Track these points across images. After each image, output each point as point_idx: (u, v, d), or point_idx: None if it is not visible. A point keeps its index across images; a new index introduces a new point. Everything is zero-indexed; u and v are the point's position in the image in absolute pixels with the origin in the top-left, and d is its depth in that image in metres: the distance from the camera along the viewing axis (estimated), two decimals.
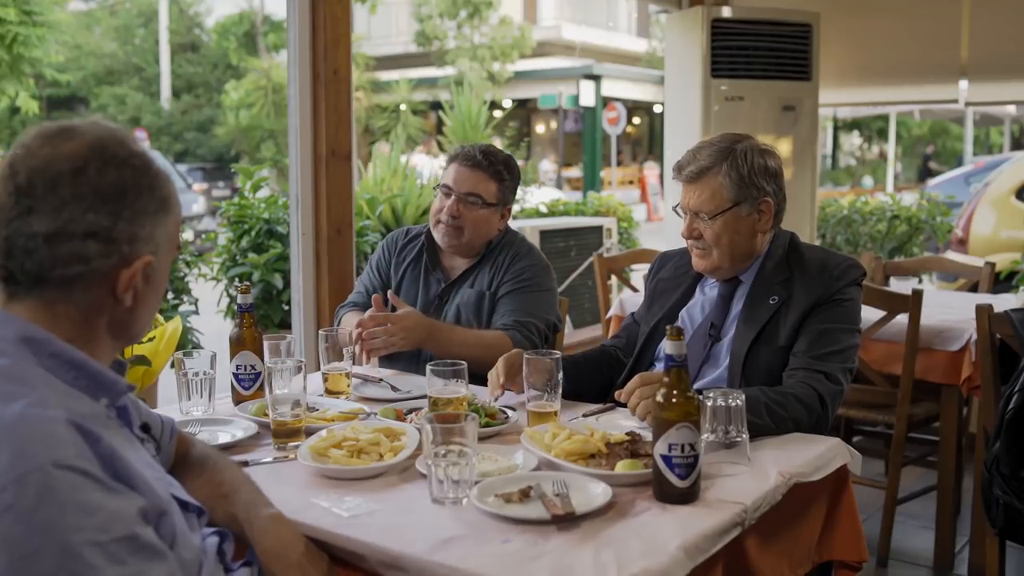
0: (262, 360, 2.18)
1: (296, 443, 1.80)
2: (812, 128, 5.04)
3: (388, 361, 2.60)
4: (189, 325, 3.87)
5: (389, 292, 2.52)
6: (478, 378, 2.14)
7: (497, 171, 2.60)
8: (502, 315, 2.55)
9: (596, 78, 22.66)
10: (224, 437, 1.92)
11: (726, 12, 4.84)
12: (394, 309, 2.46)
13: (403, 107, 20.38)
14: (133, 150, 1.22)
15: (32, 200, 1.16)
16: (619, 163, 24.19)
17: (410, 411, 2.04)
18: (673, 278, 2.38)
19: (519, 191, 7.52)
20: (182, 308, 4.09)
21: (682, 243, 2.29)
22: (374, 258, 2.80)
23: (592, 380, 2.29)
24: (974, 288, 4.23)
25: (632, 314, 2.50)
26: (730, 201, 2.14)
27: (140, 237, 1.21)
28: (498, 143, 10.92)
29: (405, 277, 2.71)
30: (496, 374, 2.09)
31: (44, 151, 1.18)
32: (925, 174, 21.07)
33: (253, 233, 4.16)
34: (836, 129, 26.50)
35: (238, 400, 2.19)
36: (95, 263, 1.18)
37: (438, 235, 2.63)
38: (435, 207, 2.62)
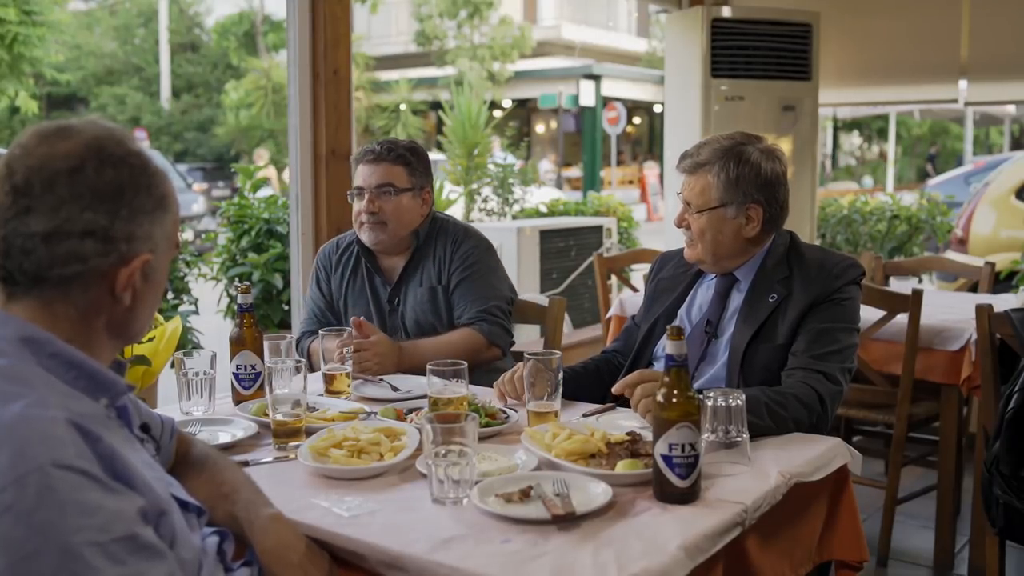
0: (262, 360, 2.18)
1: (296, 443, 1.80)
2: (812, 128, 5.04)
3: None
4: (189, 325, 3.87)
5: (359, 319, 2.44)
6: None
7: (400, 155, 2.61)
8: (462, 309, 2.56)
9: (596, 78, 22.65)
10: (224, 437, 1.92)
11: (726, 12, 4.84)
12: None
13: (403, 107, 20.39)
14: (130, 149, 1.22)
15: (29, 200, 1.15)
16: (619, 163, 24.19)
17: (410, 411, 2.04)
18: (673, 278, 2.38)
19: (520, 191, 7.43)
20: (182, 308, 4.09)
21: (682, 243, 2.29)
22: (312, 279, 2.78)
23: (592, 391, 2.27)
24: (974, 288, 4.23)
25: (633, 317, 2.50)
26: (716, 201, 2.15)
27: (138, 236, 1.21)
28: (498, 143, 10.91)
29: (348, 290, 2.69)
30: (501, 389, 2.11)
31: (41, 150, 1.18)
32: (926, 175, 21.12)
33: (253, 233, 4.16)
34: (836, 129, 26.50)
35: (238, 400, 2.19)
36: (93, 262, 1.18)
37: (364, 236, 2.62)
38: (354, 212, 2.62)
